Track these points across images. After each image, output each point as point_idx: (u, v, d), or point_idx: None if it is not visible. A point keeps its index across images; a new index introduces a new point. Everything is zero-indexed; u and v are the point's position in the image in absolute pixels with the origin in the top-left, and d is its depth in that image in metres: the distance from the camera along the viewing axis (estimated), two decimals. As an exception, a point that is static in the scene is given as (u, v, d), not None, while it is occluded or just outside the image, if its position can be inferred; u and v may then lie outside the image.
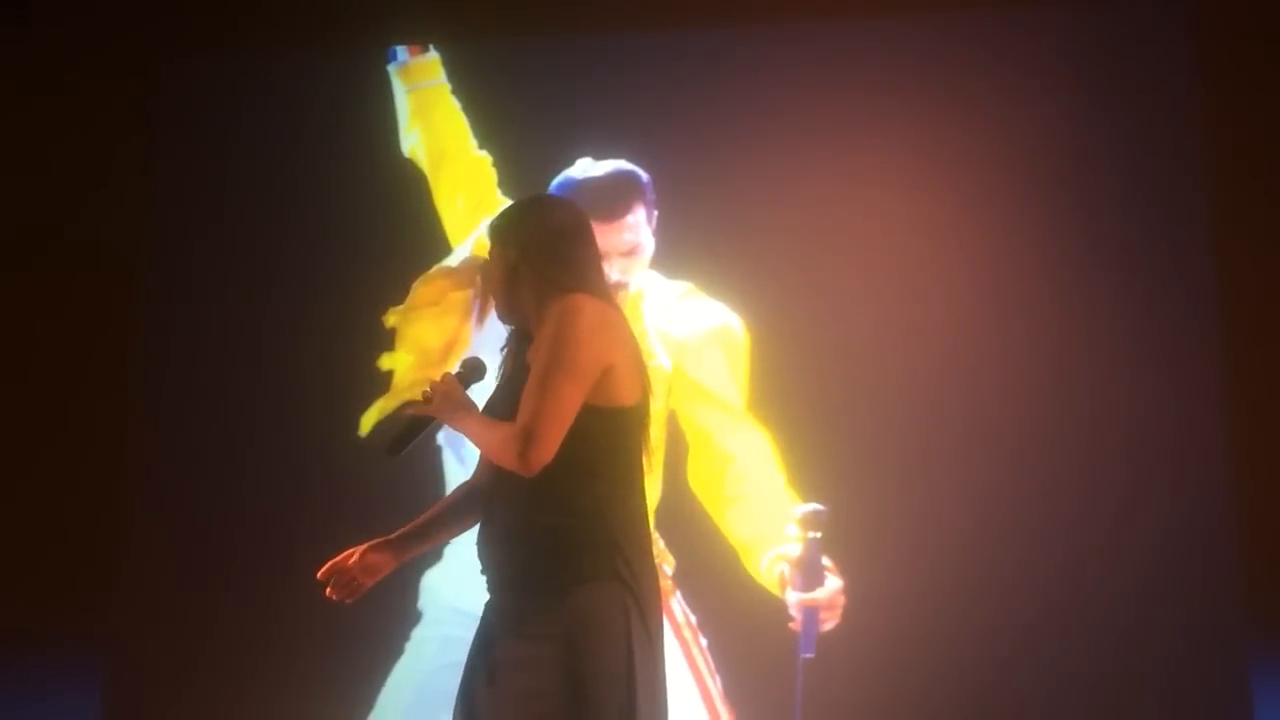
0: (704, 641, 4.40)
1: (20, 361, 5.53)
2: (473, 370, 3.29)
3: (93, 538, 5.39)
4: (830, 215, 5.09)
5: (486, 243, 3.33)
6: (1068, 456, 4.93)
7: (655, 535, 4.43)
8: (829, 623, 4.26)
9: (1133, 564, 4.88)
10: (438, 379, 3.24)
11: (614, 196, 4.37)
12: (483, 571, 3.19)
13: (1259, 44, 5.10)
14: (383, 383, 4.77)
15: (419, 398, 3.24)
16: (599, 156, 4.50)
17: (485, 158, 4.90)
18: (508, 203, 3.84)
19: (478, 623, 3.18)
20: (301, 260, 5.37)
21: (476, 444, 3.21)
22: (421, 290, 4.72)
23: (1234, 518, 4.87)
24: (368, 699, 4.75)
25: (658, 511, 4.52)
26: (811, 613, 4.22)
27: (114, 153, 5.58)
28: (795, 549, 4.24)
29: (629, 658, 3.02)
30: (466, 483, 3.32)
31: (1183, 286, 5.00)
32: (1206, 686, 4.81)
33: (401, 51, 5.07)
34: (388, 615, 4.61)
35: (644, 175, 4.46)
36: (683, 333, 4.48)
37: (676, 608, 4.39)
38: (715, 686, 4.37)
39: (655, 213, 4.48)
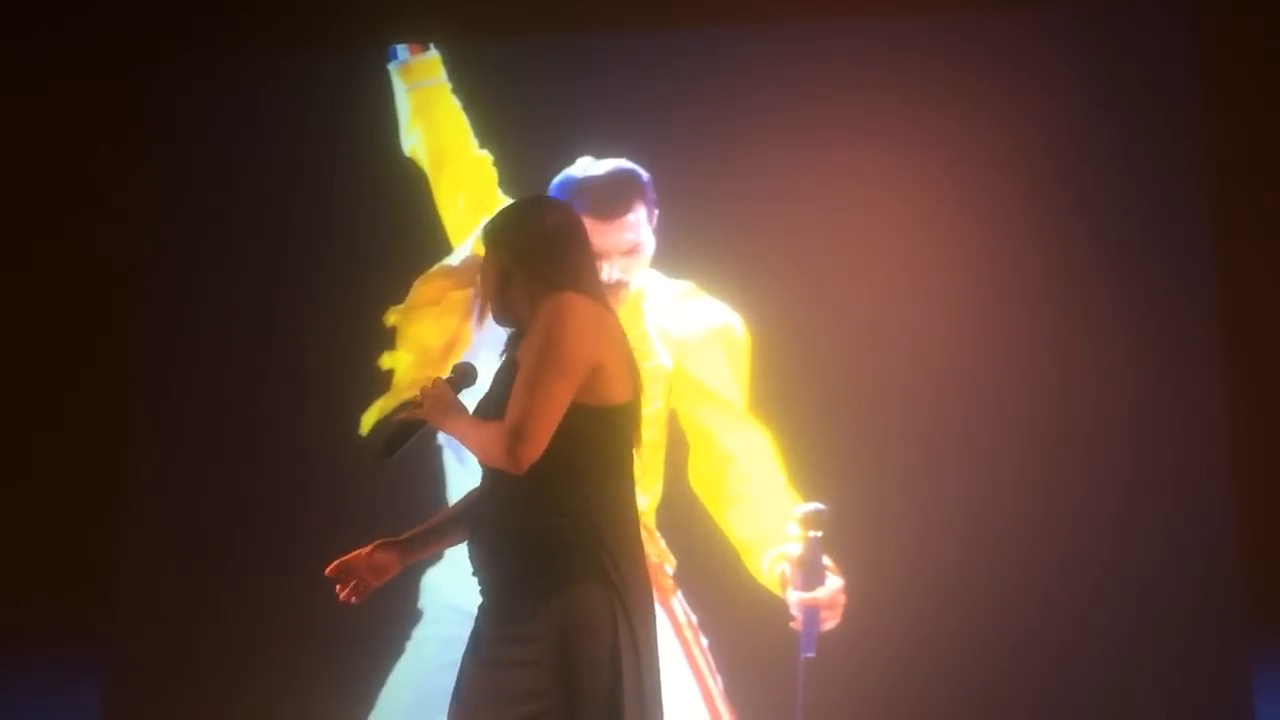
0: (705, 641, 4.39)
1: (21, 361, 5.53)
2: (464, 375, 3.30)
3: (93, 538, 5.40)
4: (831, 214, 5.10)
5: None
6: (1068, 456, 4.94)
7: (656, 535, 4.44)
8: (830, 622, 4.24)
9: (1133, 564, 4.88)
10: (429, 383, 3.25)
11: (615, 195, 4.36)
12: (474, 573, 3.20)
13: (1260, 42, 5.10)
14: (383, 382, 4.76)
15: (411, 402, 3.25)
16: (600, 155, 4.50)
17: (486, 157, 4.89)
18: (509, 202, 3.85)
19: (474, 621, 3.19)
20: (302, 259, 5.38)
21: (466, 445, 3.22)
22: (422, 289, 4.71)
23: (1234, 518, 4.87)
24: (368, 698, 4.74)
25: (658, 511, 4.52)
26: (812, 612, 4.21)
27: (115, 152, 5.58)
28: (796, 548, 4.23)
29: (615, 661, 3.04)
30: (476, 489, 3.32)
31: (1183, 286, 5.01)
32: (1207, 686, 4.82)
33: (402, 50, 5.06)
34: (388, 614, 4.60)
35: (645, 174, 4.45)
36: (683, 332, 4.47)
37: (677, 607, 4.38)
38: (716, 686, 4.36)
39: (656, 212, 4.47)
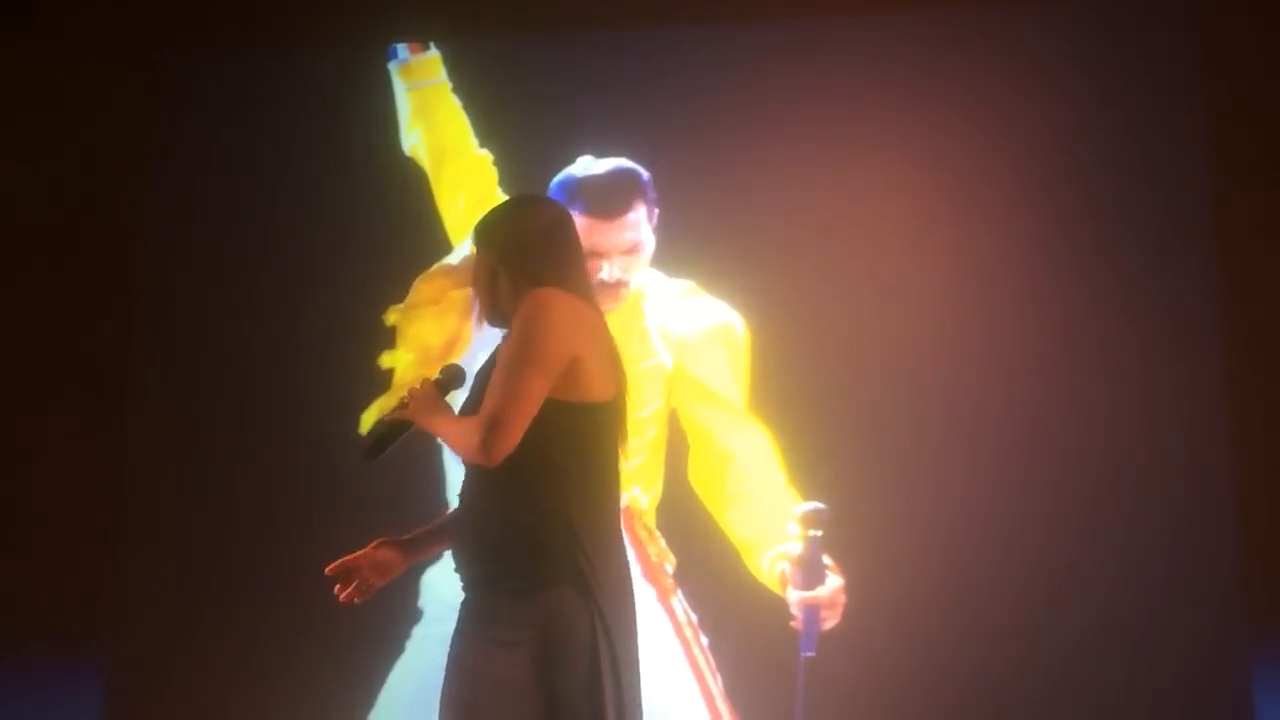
0: (705, 640, 4.40)
1: (20, 360, 5.53)
2: (452, 376, 3.30)
3: (93, 538, 5.39)
4: (831, 213, 5.09)
5: None
6: (1068, 456, 4.93)
7: (656, 534, 4.45)
8: (830, 621, 4.25)
9: (1134, 563, 4.87)
10: (417, 384, 3.26)
11: (615, 194, 4.37)
12: (455, 570, 3.20)
13: (1263, 37, 5.09)
14: (383, 381, 4.77)
15: (400, 403, 3.25)
16: (600, 154, 4.50)
17: (486, 156, 4.90)
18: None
19: (457, 621, 3.19)
20: (302, 258, 5.38)
21: (446, 441, 3.22)
22: (422, 288, 4.72)
23: (1234, 518, 4.87)
24: (369, 697, 4.75)
25: (658, 510, 4.53)
26: (812, 611, 4.22)
27: (114, 150, 5.58)
28: (796, 547, 4.24)
29: (594, 663, 3.04)
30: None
31: (1185, 285, 5.00)
32: (1207, 686, 4.81)
33: (402, 49, 5.07)
34: (389, 613, 4.61)
35: (645, 173, 4.46)
36: (684, 331, 4.48)
37: (677, 606, 4.39)
38: (716, 685, 4.36)
39: (656, 210, 4.48)
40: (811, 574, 4.23)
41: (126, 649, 5.34)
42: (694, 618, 4.41)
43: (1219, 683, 4.81)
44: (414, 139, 4.98)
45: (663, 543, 4.44)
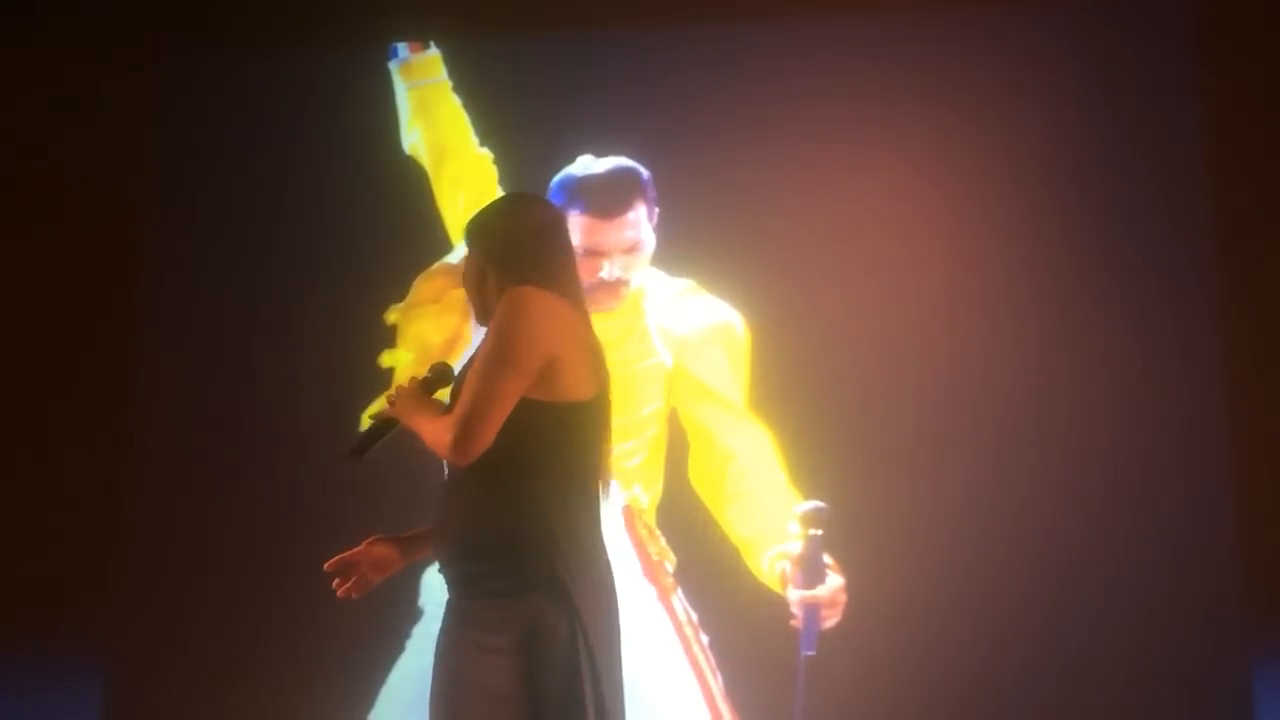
0: (705, 639, 4.40)
1: (21, 359, 5.53)
2: (440, 375, 3.29)
3: (93, 537, 5.38)
4: (832, 212, 5.10)
5: None
6: (1069, 455, 4.93)
7: (656, 533, 4.45)
8: (830, 620, 4.25)
9: (1133, 563, 4.88)
10: (405, 383, 3.26)
11: (615, 193, 4.37)
12: (439, 570, 3.21)
13: (1263, 37, 5.10)
14: (384, 380, 4.77)
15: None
16: (600, 153, 4.50)
17: (486, 155, 4.90)
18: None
19: (441, 619, 3.20)
20: (302, 257, 5.38)
21: (424, 439, 3.18)
22: (423, 287, 4.72)
23: (1234, 518, 4.87)
24: (368, 697, 4.75)
25: (659, 509, 4.52)
26: (813, 610, 4.22)
27: (114, 149, 5.58)
28: (796, 546, 4.24)
29: (573, 668, 3.03)
30: None
31: (1185, 284, 5.00)
32: (1207, 686, 4.81)
33: (402, 49, 5.07)
34: (388, 613, 4.61)
35: (645, 172, 4.46)
36: (684, 330, 4.48)
37: (677, 605, 4.39)
38: (716, 684, 4.36)
39: (656, 210, 4.48)
40: (812, 573, 4.22)
41: (126, 649, 5.33)
42: (694, 616, 4.41)
43: (1219, 683, 4.81)
44: (414, 138, 4.98)
45: (663, 541, 4.44)
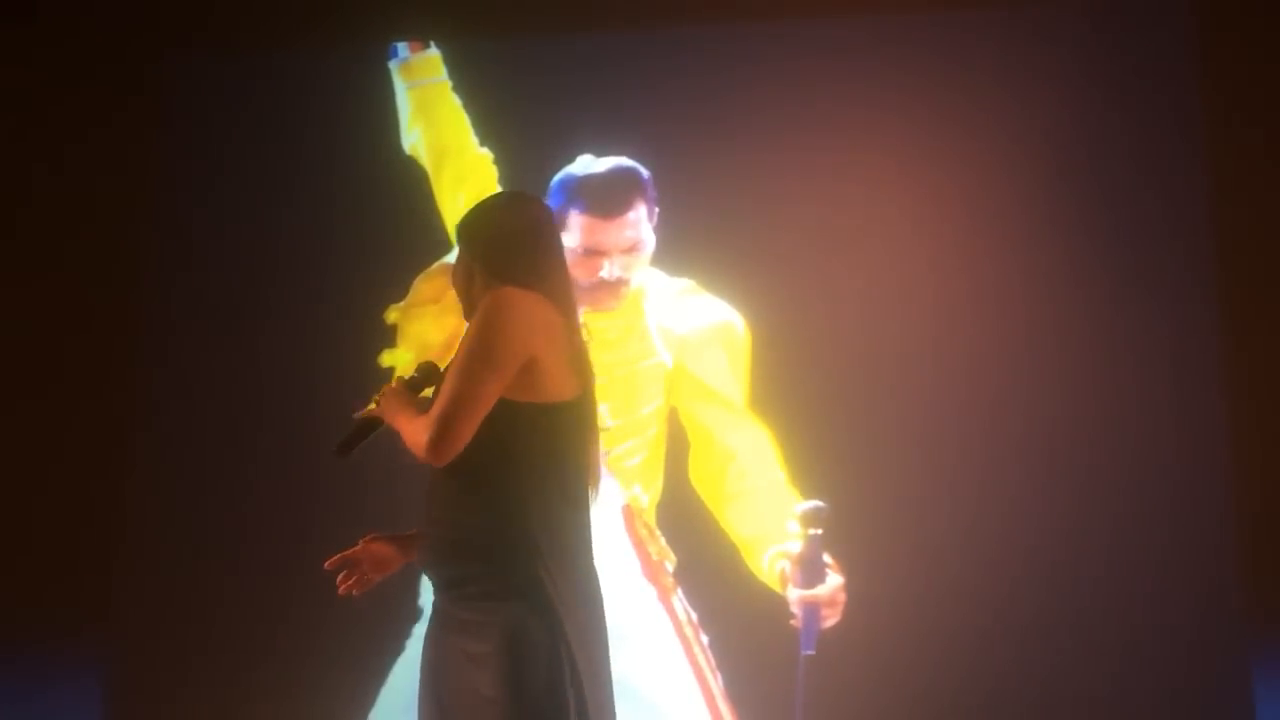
0: (705, 639, 4.40)
1: (22, 360, 5.52)
2: (426, 375, 3.29)
3: (93, 537, 5.38)
4: (831, 212, 5.10)
5: None
6: (1068, 455, 4.94)
7: (656, 532, 4.44)
8: (830, 620, 4.25)
9: (1133, 563, 4.88)
10: (392, 383, 3.26)
11: (615, 193, 4.37)
12: (422, 571, 3.22)
13: (1262, 37, 5.10)
14: (384, 380, 4.76)
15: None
16: (600, 153, 4.50)
17: (486, 155, 4.90)
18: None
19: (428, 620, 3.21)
20: (303, 257, 5.39)
21: (403, 438, 3.18)
22: (423, 287, 4.72)
23: (1234, 518, 4.87)
24: (368, 697, 4.75)
25: (659, 509, 4.52)
26: (812, 610, 4.21)
27: (114, 148, 5.58)
28: (796, 546, 4.23)
29: (556, 680, 3.03)
30: None
31: (1184, 285, 5.01)
32: (1207, 686, 4.81)
33: (402, 48, 5.06)
34: (388, 613, 4.60)
35: (645, 172, 4.45)
36: (684, 329, 4.48)
37: (677, 605, 4.38)
38: (716, 684, 4.36)
39: (656, 209, 4.48)
40: (811, 572, 4.22)
41: (126, 649, 5.34)
42: (694, 616, 4.40)
43: (1219, 683, 4.81)
44: (414, 138, 4.98)
45: (663, 541, 4.44)
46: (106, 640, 5.36)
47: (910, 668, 4.78)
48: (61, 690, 5.32)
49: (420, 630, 4.58)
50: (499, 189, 4.85)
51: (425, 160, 4.96)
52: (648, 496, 4.46)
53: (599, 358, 4.32)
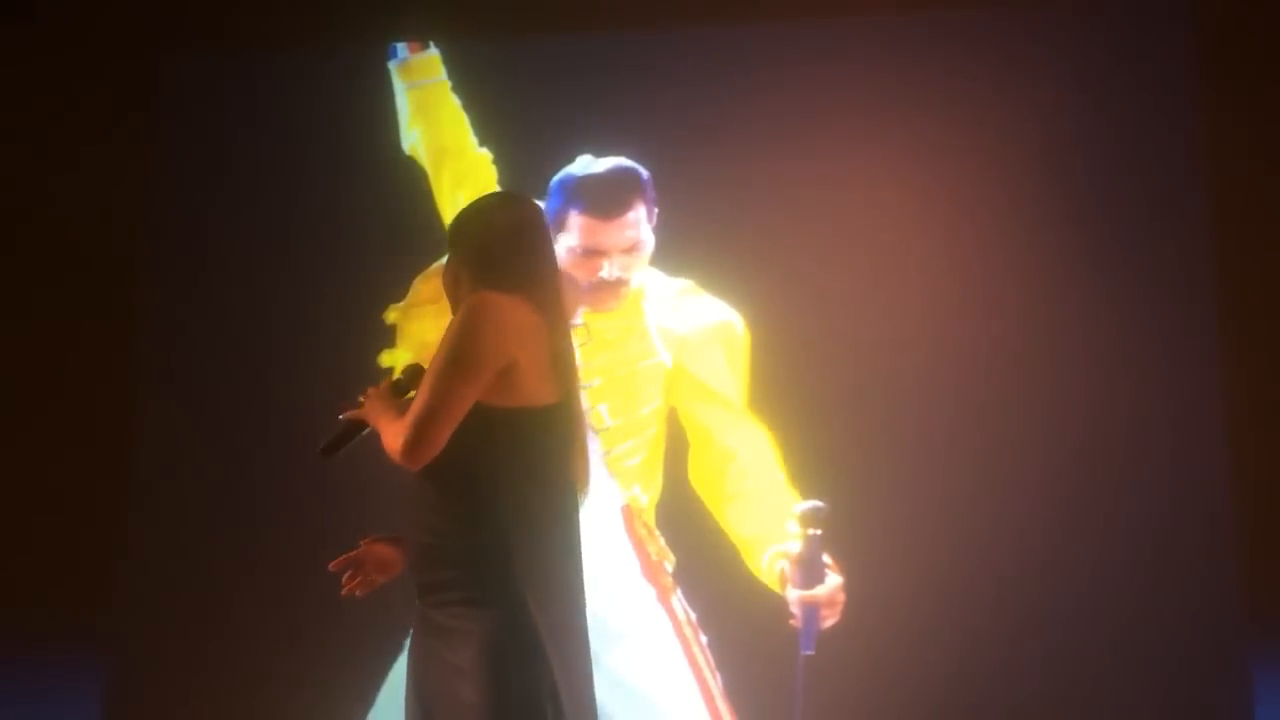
0: (704, 639, 4.39)
1: (21, 359, 5.53)
2: (413, 377, 3.28)
3: (94, 537, 5.39)
4: (831, 212, 5.11)
5: None
6: (1068, 455, 4.94)
7: (655, 532, 4.44)
8: (829, 620, 4.24)
9: (1133, 563, 4.88)
10: (379, 385, 3.26)
11: (615, 193, 4.36)
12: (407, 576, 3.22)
13: (1262, 37, 5.10)
14: (383, 380, 4.77)
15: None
16: (600, 153, 4.50)
17: (486, 155, 4.90)
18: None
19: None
20: (302, 257, 5.39)
21: (382, 441, 3.18)
22: (422, 287, 4.71)
23: (1234, 518, 4.87)
24: (368, 697, 4.75)
25: (658, 509, 4.52)
26: (812, 610, 4.20)
27: (113, 148, 5.59)
28: (795, 546, 4.23)
29: (535, 685, 3.02)
30: None
31: (1183, 285, 5.01)
32: (1206, 686, 4.81)
33: (402, 49, 5.06)
34: (388, 613, 4.60)
35: (644, 172, 4.45)
36: (683, 329, 4.47)
37: (677, 605, 4.38)
38: (715, 684, 4.36)
39: (656, 210, 4.47)
40: (811, 572, 4.21)
41: (126, 649, 5.34)
42: (693, 616, 4.40)
43: (1219, 683, 4.81)
44: (414, 138, 4.98)
45: (662, 541, 4.43)
46: (106, 640, 5.36)
47: (910, 668, 4.78)
48: (61, 691, 5.32)
49: (419, 631, 4.62)
50: (498, 189, 4.85)
51: (425, 160, 4.96)
52: (647, 496, 4.46)
53: (599, 357, 4.34)
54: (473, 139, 4.92)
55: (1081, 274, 5.01)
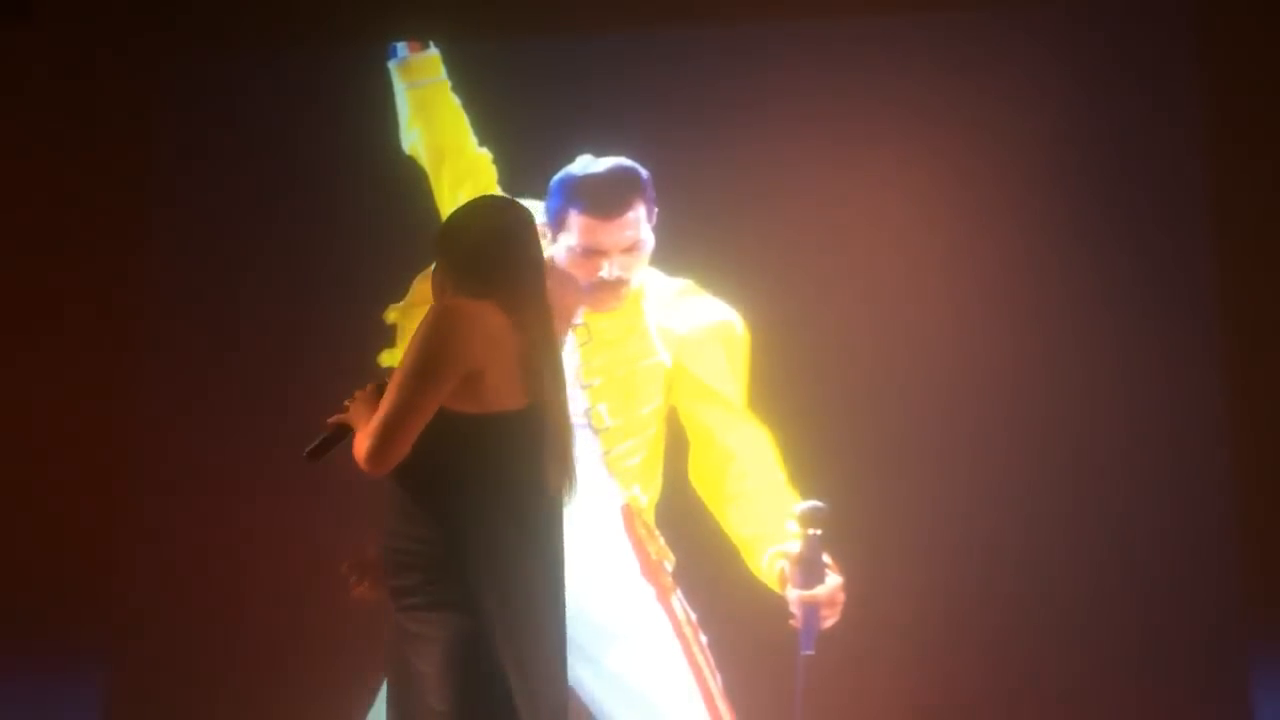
0: (704, 639, 4.39)
1: (21, 359, 5.53)
2: None
3: (94, 538, 5.38)
4: (831, 213, 5.11)
5: None
6: (1068, 455, 4.94)
7: (655, 532, 4.44)
8: (829, 620, 4.24)
9: (1133, 564, 4.89)
10: (364, 388, 3.27)
11: (614, 193, 4.35)
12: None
13: (1262, 37, 5.10)
14: (382, 380, 4.76)
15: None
16: (599, 153, 4.50)
17: (486, 155, 4.90)
18: (507, 200, 3.85)
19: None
20: (302, 257, 5.39)
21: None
22: (422, 287, 4.70)
23: (1234, 518, 4.87)
24: (368, 698, 4.75)
25: (658, 509, 4.52)
26: (812, 610, 4.20)
27: (112, 149, 5.58)
28: (795, 546, 4.22)
29: (501, 692, 3.03)
30: None
31: (1184, 286, 5.01)
32: (1206, 686, 4.81)
33: (401, 48, 5.06)
34: (387, 617, 4.60)
35: (644, 172, 4.45)
36: (683, 329, 4.47)
37: (677, 605, 4.38)
38: (715, 684, 4.35)
39: (655, 209, 4.47)
40: (811, 572, 4.21)
41: (126, 649, 5.34)
42: (693, 616, 4.40)
43: (1219, 683, 4.81)
44: (413, 137, 4.98)
45: (662, 541, 4.43)
46: (106, 640, 5.35)
47: (909, 667, 4.78)
48: (61, 690, 5.32)
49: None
50: (498, 189, 4.85)
51: (425, 160, 4.96)
52: (647, 496, 4.45)
53: (599, 357, 4.34)
54: (472, 139, 4.92)
55: (1081, 274, 5.01)
